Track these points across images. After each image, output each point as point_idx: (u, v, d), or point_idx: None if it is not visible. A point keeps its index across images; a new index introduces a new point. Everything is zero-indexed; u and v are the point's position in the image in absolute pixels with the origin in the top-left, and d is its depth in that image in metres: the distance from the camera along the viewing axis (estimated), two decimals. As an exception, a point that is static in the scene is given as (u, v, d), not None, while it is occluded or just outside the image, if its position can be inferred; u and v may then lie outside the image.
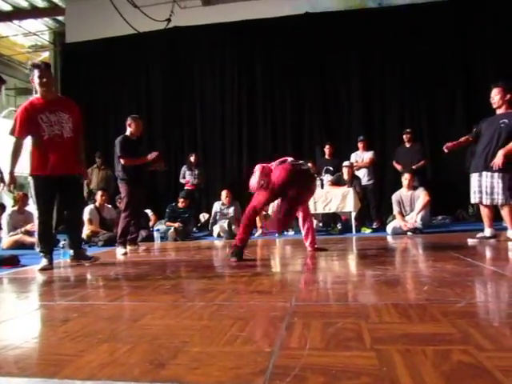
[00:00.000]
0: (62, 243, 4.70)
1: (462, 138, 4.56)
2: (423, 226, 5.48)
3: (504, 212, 4.15)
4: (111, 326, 1.62)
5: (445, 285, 2.12)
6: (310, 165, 6.63)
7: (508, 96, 4.10)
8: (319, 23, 8.40)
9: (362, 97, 8.38)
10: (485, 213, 4.26)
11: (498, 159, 4.00)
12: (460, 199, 7.09)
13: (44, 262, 3.53)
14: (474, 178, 4.24)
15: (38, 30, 10.80)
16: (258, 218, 6.61)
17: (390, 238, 5.17)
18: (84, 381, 1.12)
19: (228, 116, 9.02)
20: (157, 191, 8.83)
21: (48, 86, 3.57)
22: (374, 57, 8.34)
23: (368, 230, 6.20)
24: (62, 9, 9.91)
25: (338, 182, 6.42)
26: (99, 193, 6.38)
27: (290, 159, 3.65)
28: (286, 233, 6.35)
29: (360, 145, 7.24)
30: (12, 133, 3.50)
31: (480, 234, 4.27)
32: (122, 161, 4.74)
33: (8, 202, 9.06)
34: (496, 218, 4.36)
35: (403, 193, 5.74)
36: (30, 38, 11.10)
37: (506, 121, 4.05)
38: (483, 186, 4.15)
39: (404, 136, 7.15)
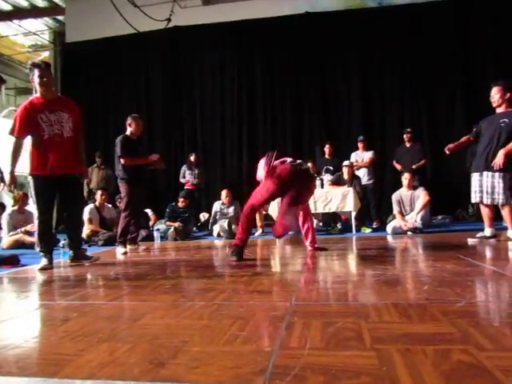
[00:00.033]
0: (62, 243, 4.70)
1: (463, 138, 4.56)
2: (423, 225, 5.48)
3: (504, 212, 4.15)
4: (111, 326, 1.62)
5: (445, 284, 2.12)
6: (309, 164, 6.65)
7: (508, 95, 4.10)
8: (319, 23, 8.40)
9: (361, 96, 8.38)
10: (485, 212, 4.25)
11: (499, 159, 4.00)
12: (460, 199, 7.10)
13: (44, 261, 3.53)
14: (475, 177, 4.24)
15: (38, 29, 10.79)
16: (258, 218, 6.66)
17: (389, 238, 5.17)
18: (84, 380, 1.12)
19: (228, 116, 9.02)
20: (157, 191, 8.84)
21: (48, 85, 3.57)
22: (373, 56, 8.35)
23: (368, 230, 6.20)
24: (62, 8, 9.91)
25: (338, 182, 6.42)
26: (99, 192, 6.38)
27: (289, 160, 3.64)
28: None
29: (360, 145, 7.24)
30: (11, 132, 3.49)
31: (480, 234, 4.27)
32: (122, 160, 4.74)
33: (8, 201, 9.06)
34: (496, 217, 4.36)
35: (403, 192, 5.74)
36: (30, 37, 11.09)
37: (507, 120, 4.05)
38: (484, 186, 4.15)
39: (404, 136, 7.15)
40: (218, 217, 6.87)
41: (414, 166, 6.61)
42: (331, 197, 6.07)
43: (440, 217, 7.35)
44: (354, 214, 6.08)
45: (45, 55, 11.40)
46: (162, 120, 9.32)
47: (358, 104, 8.40)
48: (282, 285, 2.47)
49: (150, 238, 6.18)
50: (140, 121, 5.01)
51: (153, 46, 9.25)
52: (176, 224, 6.46)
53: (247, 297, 2.08)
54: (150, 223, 7.00)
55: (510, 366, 1.08)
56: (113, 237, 5.41)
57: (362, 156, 7.20)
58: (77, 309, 1.96)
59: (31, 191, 3.60)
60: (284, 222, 3.48)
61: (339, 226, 6.32)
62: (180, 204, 6.91)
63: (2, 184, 3.53)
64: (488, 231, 4.22)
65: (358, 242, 4.96)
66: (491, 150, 4.10)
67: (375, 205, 6.94)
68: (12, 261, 3.96)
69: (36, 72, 3.50)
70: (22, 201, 6.25)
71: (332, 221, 6.51)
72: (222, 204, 6.93)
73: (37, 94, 3.62)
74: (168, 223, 6.59)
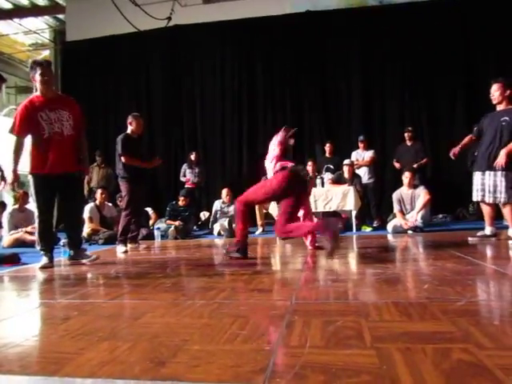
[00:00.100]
0: (62, 241, 4.69)
1: (466, 139, 4.52)
2: (424, 224, 5.48)
3: (506, 210, 4.14)
4: (111, 324, 1.62)
5: (445, 283, 2.12)
6: (309, 168, 6.65)
7: (508, 92, 4.08)
8: (320, 21, 8.39)
9: (362, 95, 8.37)
10: (486, 211, 4.25)
11: (501, 159, 3.98)
12: (460, 198, 7.09)
13: (44, 260, 3.53)
14: (477, 176, 4.23)
15: (39, 28, 10.78)
16: (258, 216, 6.67)
17: (390, 237, 5.17)
18: (84, 379, 1.12)
19: (228, 114, 9.01)
20: (157, 189, 8.84)
21: (49, 84, 3.57)
22: (374, 55, 8.33)
23: (368, 229, 6.20)
24: (63, 7, 9.90)
25: (338, 181, 6.42)
26: (99, 191, 6.38)
27: (290, 165, 3.59)
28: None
29: (360, 145, 7.24)
30: (12, 131, 3.49)
31: (480, 233, 4.26)
32: (123, 159, 4.74)
33: (9, 200, 9.07)
34: (497, 216, 4.35)
35: (404, 191, 5.74)
36: (30, 36, 11.09)
37: (507, 119, 4.03)
38: (486, 185, 4.13)
39: (405, 134, 7.14)
40: (218, 215, 6.87)
41: (415, 165, 6.60)
42: (332, 196, 6.06)
43: (440, 215, 7.35)
44: (354, 213, 6.08)
45: (45, 54, 11.39)
46: (162, 118, 9.32)
47: (359, 102, 8.39)
48: (282, 283, 2.47)
49: (150, 236, 6.18)
50: (141, 119, 5.01)
51: (153, 44, 9.24)
52: (176, 223, 6.46)
53: (247, 295, 2.08)
54: (151, 222, 7.01)
55: (510, 365, 1.08)
56: (113, 235, 5.41)
57: (362, 155, 7.19)
58: (77, 307, 1.96)
59: (31, 190, 3.61)
60: (282, 227, 3.47)
61: (339, 224, 6.30)
62: (180, 203, 6.91)
63: (3, 183, 3.53)
64: (488, 230, 4.22)
65: (358, 240, 4.97)
66: (493, 150, 4.08)
67: (376, 204, 6.93)
68: (12, 259, 3.96)
69: (38, 70, 3.49)
70: (22, 199, 6.25)
71: (332, 220, 6.50)
72: (223, 203, 6.93)
73: (37, 93, 3.62)
74: (168, 222, 6.59)
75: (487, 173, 4.13)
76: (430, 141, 7.92)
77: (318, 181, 6.45)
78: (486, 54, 7.86)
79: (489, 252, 3.53)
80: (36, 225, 3.65)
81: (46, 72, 3.53)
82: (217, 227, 6.65)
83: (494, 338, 1.29)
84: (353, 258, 3.50)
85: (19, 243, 5.75)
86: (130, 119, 4.93)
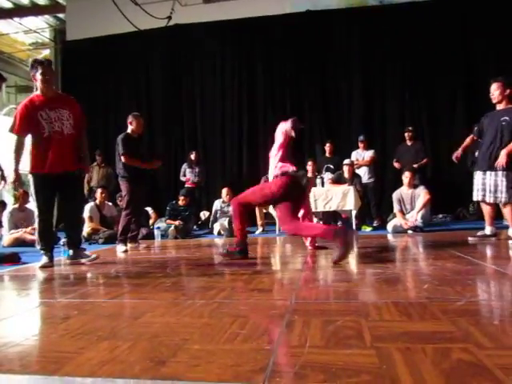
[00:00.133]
0: (62, 241, 4.70)
1: (467, 140, 4.50)
2: (424, 224, 5.48)
3: (506, 210, 4.14)
4: (111, 324, 1.62)
5: (445, 283, 2.12)
6: (309, 166, 6.64)
7: (508, 91, 4.07)
8: (320, 21, 8.39)
9: (362, 95, 8.37)
10: (486, 210, 4.24)
11: (502, 159, 3.98)
12: (460, 198, 7.09)
13: (44, 259, 3.53)
14: (478, 175, 4.22)
15: (39, 27, 10.78)
16: (258, 216, 6.67)
17: (390, 237, 5.17)
18: (84, 378, 1.12)
19: (228, 113, 9.01)
20: (157, 189, 8.84)
21: (50, 83, 3.57)
22: (374, 55, 8.33)
23: (368, 229, 6.21)
24: (63, 6, 9.89)
25: (338, 180, 6.42)
26: (99, 190, 6.38)
27: (291, 169, 3.57)
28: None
29: (360, 145, 7.24)
30: (12, 130, 3.49)
31: (480, 233, 4.26)
32: (123, 159, 4.73)
33: (9, 199, 9.07)
34: (497, 216, 4.35)
35: (404, 191, 5.74)
36: (30, 35, 11.08)
37: (507, 118, 4.03)
38: (487, 185, 4.12)
39: (406, 134, 7.14)
40: (218, 215, 6.87)
41: (415, 166, 6.61)
42: (332, 195, 6.06)
43: (440, 215, 7.35)
44: (354, 213, 6.08)
45: (45, 53, 11.38)
46: (162, 118, 9.32)
47: (359, 102, 8.39)
48: (282, 283, 2.47)
49: (150, 236, 6.19)
50: (141, 119, 5.01)
51: (153, 43, 9.24)
52: (176, 222, 6.47)
53: (247, 295, 2.08)
54: (151, 221, 7.01)
55: (510, 365, 1.08)
56: (113, 235, 5.42)
57: (362, 155, 7.19)
58: (77, 307, 1.96)
59: (31, 189, 3.61)
60: (297, 225, 3.46)
61: (340, 224, 6.31)
62: (180, 202, 6.91)
63: (3, 182, 3.53)
64: (488, 230, 4.22)
65: (358, 240, 4.96)
66: (494, 150, 4.08)
67: (376, 203, 6.94)
68: (13, 259, 3.97)
69: (39, 69, 3.49)
70: (22, 199, 6.26)
71: (332, 219, 6.51)
72: (223, 202, 6.93)
73: (37, 92, 3.62)
74: (168, 221, 6.60)
75: (488, 173, 4.12)
76: (430, 141, 7.92)
77: (318, 180, 6.45)
78: (486, 54, 7.86)
79: (489, 252, 3.53)
80: (36, 224, 3.65)
81: (47, 71, 3.53)
82: (217, 227, 6.65)
83: (493, 337, 1.29)
84: (352, 258, 3.49)
85: (19, 242, 5.75)
86: (130, 119, 4.93)
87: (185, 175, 7.89)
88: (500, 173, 4.04)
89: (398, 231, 5.45)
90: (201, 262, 3.61)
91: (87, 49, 9.43)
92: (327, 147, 7.38)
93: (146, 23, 7.71)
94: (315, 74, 8.56)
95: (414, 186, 5.72)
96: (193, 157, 7.91)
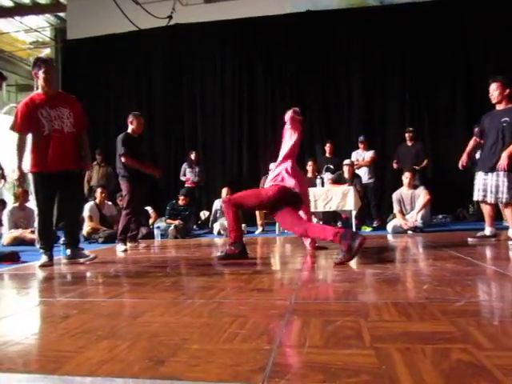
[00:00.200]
0: (62, 240, 4.69)
1: (470, 144, 4.46)
2: (423, 224, 5.48)
3: (507, 211, 4.13)
4: (111, 323, 1.62)
5: (445, 283, 2.12)
6: (309, 166, 6.64)
7: (507, 91, 4.06)
8: (320, 21, 8.40)
9: (362, 95, 8.38)
10: (486, 211, 4.24)
11: (503, 161, 3.97)
12: (460, 198, 7.10)
13: (44, 258, 3.53)
14: (480, 176, 4.21)
15: (40, 26, 10.79)
16: (258, 216, 6.67)
17: (390, 237, 5.17)
18: (83, 377, 1.12)
19: (228, 113, 9.02)
20: (157, 188, 8.84)
21: (51, 81, 3.58)
22: (374, 55, 8.34)
23: (368, 229, 6.21)
24: (64, 5, 9.90)
25: (338, 181, 6.42)
26: (98, 190, 6.38)
27: (288, 185, 3.57)
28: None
29: (360, 145, 7.24)
30: (12, 128, 3.50)
31: (480, 233, 4.26)
32: (123, 159, 4.73)
33: (9, 198, 9.07)
34: (496, 217, 4.35)
35: (404, 191, 5.74)
36: (31, 34, 11.09)
37: (508, 119, 4.02)
38: (488, 185, 4.11)
39: (406, 134, 7.15)
40: (218, 215, 6.87)
41: (417, 168, 6.61)
42: (331, 195, 6.06)
43: (440, 216, 7.35)
44: (354, 213, 6.07)
45: (46, 52, 11.40)
46: (162, 117, 9.33)
47: (359, 102, 8.40)
48: (281, 283, 2.47)
49: (150, 235, 6.19)
50: (142, 118, 5.00)
51: (154, 43, 9.24)
52: (176, 222, 6.47)
53: (247, 295, 2.08)
54: (151, 221, 7.01)
55: (509, 365, 1.08)
56: (113, 234, 5.42)
57: (362, 155, 7.20)
58: (77, 306, 1.96)
59: (31, 188, 3.61)
60: (308, 227, 3.44)
61: (339, 224, 6.31)
62: (180, 202, 6.92)
63: (3, 181, 3.53)
64: (488, 230, 4.22)
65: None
66: (496, 151, 4.06)
67: (376, 204, 6.94)
68: (12, 257, 3.97)
69: (42, 68, 3.50)
70: (22, 197, 6.26)
71: (332, 220, 6.51)
72: (223, 202, 6.92)
73: (38, 90, 3.62)
74: (168, 221, 6.60)
75: (490, 173, 4.12)
76: (431, 141, 7.92)
77: (318, 181, 6.45)
78: (486, 54, 7.87)
79: (488, 253, 3.53)
80: (36, 223, 3.65)
81: (50, 70, 3.54)
82: (217, 226, 6.65)
83: (493, 338, 1.29)
84: (352, 260, 3.49)
85: (19, 241, 5.75)
86: (130, 118, 4.92)
87: (185, 175, 7.90)
88: (501, 173, 4.03)
89: (398, 232, 5.45)
90: (200, 261, 3.61)
91: (88, 48, 9.44)
92: (327, 147, 7.38)
93: (147, 22, 7.71)
94: (315, 73, 8.56)
95: (414, 187, 5.72)
96: (193, 156, 7.91)
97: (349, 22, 8.36)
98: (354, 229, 6.03)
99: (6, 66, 10.53)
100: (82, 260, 3.64)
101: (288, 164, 3.64)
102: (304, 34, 8.48)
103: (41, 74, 3.50)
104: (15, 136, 3.51)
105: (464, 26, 7.95)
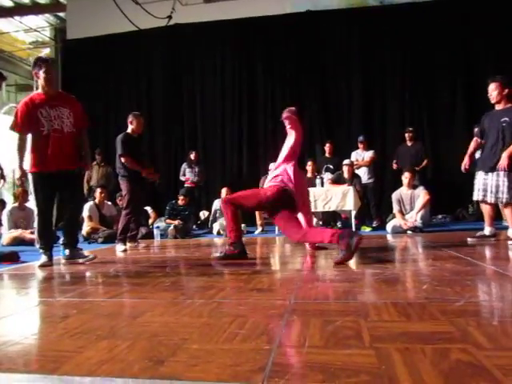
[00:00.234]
0: (61, 240, 4.70)
1: (472, 145, 4.44)
2: (423, 224, 5.48)
3: (507, 211, 4.13)
4: (110, 323, 1.62)
5: (444, 283, 2.12)
6: (309, 166, 6.64)
7: (506, 91, 4.06)
8: (320, 21, 8.40)
9: (362, 95, 8.38)
10: (486, 210, 4.24)
11: (503, 161, 3.97)
12: (460, 198, 7.10)
13: (44, 258, 3.53)
14: (480, 175, 4.21)
15: (39, 26, 10.78)
16: (258, 216, 6.67)
17: (389, 237, 5.17)
18: (83, 377, 1.12)
19: (228, 113, 9.02)
20: (157, 188, 8.83)
21: (52, 81, 3.58)
22: (374, 55, 8.33)
23: (368, 229, 6.21)
24: (64, 5, 9.90)
25: (338, 181, 6.42)
26: (98, 190, 6.38)
27: (287, 187, 3.58)
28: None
29: (360, 145, 7.25)
30: (12, 128, 3.50)
31: (480, 233, 4.26)
32: (122, 159, 4.73)
33: (8, 198, 9.07)
34: (496, 217, 4.35)
35: (403, 191, 5.74)
36: (30, 34, 11.08)
37: (507, 119, 4.02)
38: (488, 185, 4.11)
39: (406, 134, 7.15)
40: (217, 215, 6.87)
41: (417, 168, 6.61)
42: (331, 195, 6.06)
43: (440, 216, 7.36)
44: (354, 213, 6.07)
45: (46, 52, 11.39)
46: (162, 117, 9.33)
47: (359, 102, 8.40)
48: (281, 283, 2.47)
49: (149, 235, 6.19)
50: (141, 118, 5.00)
51: (154, 43, 9.24)
52: (176, 222, 6.47)
53: (247, 295, 2.08)
54: (150, 221, 7.01)
55: (509, 365, 1.08)
56: (113, 234, 5.42)
57: (362, 155, 7.20)
58: (76, 306, 1.96)
59: (31, 188, 3.60)
60: (305, 232, 3.43)
61: (339, 224, 6.32)
62: (180, 202, 6.91)
63: (2, 181, 3.53)
64: (488, 230, 4.21)
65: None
66: (497, 151, 4.06)
67: (375, 204, 6.94)
68: (12, 257, 3.97)
69: (43, 67, 3.50)
70: (22, 197, 6.25)
71: (332, 220, 6.51)
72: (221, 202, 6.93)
73: (38, 90, 3.62)
74: (168, 221, 6.60)
75: (490, 173, 4.12)
76: (431, 141, 7.93)
77: (318, 181, 6.45)
78: (486, 54, 7.87)
79: (488, 252, 3.53)
80: (35, 223, 3.65)
81: (50, 70, 3.54)
82: (216, 226, 6.65)
83: (492, 338, 1.29)
84: (352, 259, 3.49)
85: (19, 241, 5.75)
86: (130, 118, 4.92)
87: (184, 175, 7.90)
88: (502, 173, 4.02)
89: (398, 232, 5.45)
90: (200, 261, 3.61)
91: (87, 48, 9.43)
92: (327, 147, 7.38)
93: (147, 22, 7.71)
94: (315, 73, 8.56)
95: (414, 187, 5.72)
96: (192, 156, 7.91)
97: (349, 22, 8.37)
98: (353, 229, 6.04)
99: (6, 66, 10.53)
100: (80, 260, 3.63)
101: (288, 165, 3.64)
102: (304, 34, 8.48)
103: (41, 74, 3.50)
104: (15, 136, 3.51)
105: (464, 26, 7.94)
